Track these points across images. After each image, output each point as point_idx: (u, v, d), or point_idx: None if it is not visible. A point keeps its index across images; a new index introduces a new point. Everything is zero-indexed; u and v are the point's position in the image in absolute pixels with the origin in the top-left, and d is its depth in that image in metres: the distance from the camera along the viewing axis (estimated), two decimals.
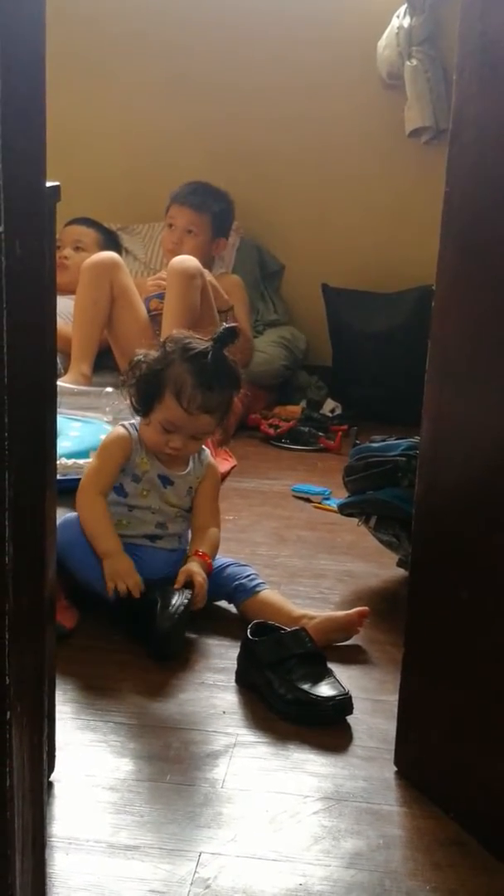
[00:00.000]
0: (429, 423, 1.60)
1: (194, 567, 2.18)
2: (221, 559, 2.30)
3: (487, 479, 1.50)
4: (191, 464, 2.31)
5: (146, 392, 2.22)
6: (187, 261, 3.34)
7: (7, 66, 0.96)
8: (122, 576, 2.13)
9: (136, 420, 2.29)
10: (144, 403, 2.23)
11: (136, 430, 2.27)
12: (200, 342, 2.22)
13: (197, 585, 2.13)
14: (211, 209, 3.75)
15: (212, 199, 3.77)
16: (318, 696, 1.86)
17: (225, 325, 2.26)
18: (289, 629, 1.99)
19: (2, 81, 0.94)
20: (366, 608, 2.16)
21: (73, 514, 2.23)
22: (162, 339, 2.34)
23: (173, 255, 3.56)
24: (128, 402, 2.29)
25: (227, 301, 3.59)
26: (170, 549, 2.27)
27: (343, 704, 1.86)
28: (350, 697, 1.86)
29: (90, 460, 2.42)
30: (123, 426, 2.29)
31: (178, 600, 2.06)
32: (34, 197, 1.09)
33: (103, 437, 2.55)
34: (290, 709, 1.86)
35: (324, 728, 1.83)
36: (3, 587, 1.07)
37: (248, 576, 2.24)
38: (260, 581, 2.23)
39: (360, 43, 4.01)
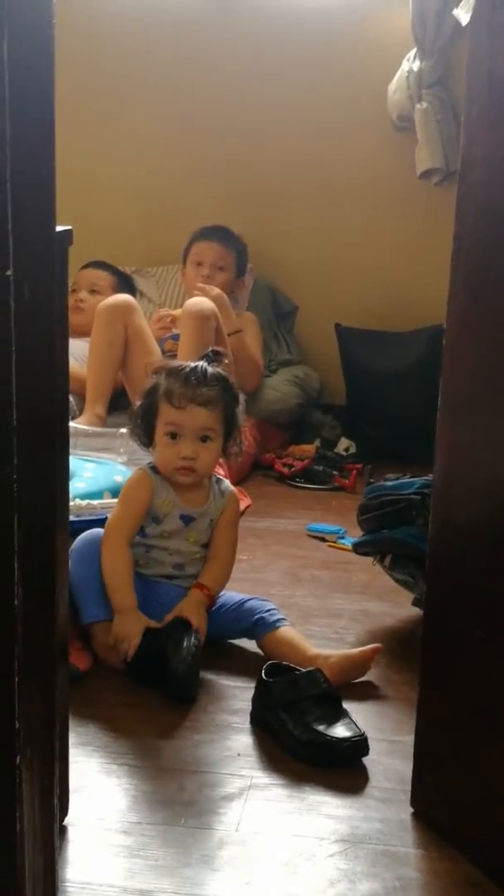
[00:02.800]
0: (442, 461, 1.60)
1: (188, 606, 2.17)
2: (241, 595, 2.29)
3: (501, 517, 1.49)
4: (210, 497, 2.30)
5: (145, 420, 2.27)
6: (202, 303, 3.37)
7: (17, 110, 0.97)
8: (127, 637, 2.10)
9: (150, 463, 2.30)
10: (147, 429, 2.27)
11: (155, 471, 2.27)
12: (184, 362, 2.29)
13: (193, 624, 2.12)
14: (236, 247, 3.83)
15: (235, 239, 3.86)
16: (333, 737, 1.84)
17: (211, 349, 2.33)
18: (304, 669, 1.98)
19: (11, 126, 0.95)
20: (378, 645, 2.15)
21: (87, 540, 2.23)
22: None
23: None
24: (136, 441, 2.33)
25: (234, 322, 3.62)
26: (187, 587, 2.27)
27: (358, 746, 1.84)
28: (365, 738, 1.85)
29: (108, 502, 2.44)
30: (143, 469, 2.29)
31: (187, 642, 2.05)
32: (43, 241, 1.10)
33: (118, 478, 2.56)
34: (306, 750, 1.84)
35: (339, 769, 1.81)
36: (13, 631, 1.07)
37: (269, 610, 2.23)
38: (281, 617, 2.22)
39: (370, 86, 4.05)
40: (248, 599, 2.27)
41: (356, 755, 1.84)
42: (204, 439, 2.23)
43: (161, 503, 2.25)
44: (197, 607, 2.18)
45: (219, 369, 2.28)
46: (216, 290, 3.60)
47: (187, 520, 2.26)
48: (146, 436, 2.29)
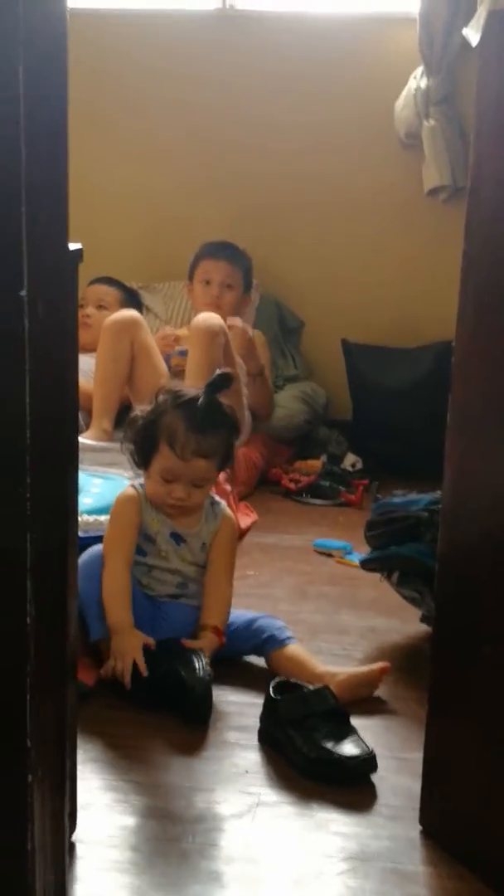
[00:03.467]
0: (450, 477, 1.60)
1: (202, 647, 2.14)
2: (250, 613, 2.29)
3: None
4: (203, 519, 2.29)
5: (143, 445, 2.24)
6: (211, 318, 3.38)
7: (31, 133, 0.98)
8: (127, 654, 2.08)
9: (138, 483, 2.30)
10: (143, 456, 2.25)
11: (143, 489, 2.27)
12: (192, 389, 2.26)
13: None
14: (243, 264, 3.85)
15: (241, 256, 3.87)
16: (341, 754, 1.84)
17: (219, 371, 2.28)
18: (312, 687, 1.98)
19: (26, 148, 0.96)
20: (387, 664, 2.14)
21: (92, 556, 2.22)
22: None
23: (214, 309, 3.65)
24: (127, 457, 2.30)
25: (260, 365, 3.64)
26: (195, 605, 2.27)
27: (367, 763, 1.83)
28: (374, 756, 1.84)
29: (109, 526, 2.44)
30: (132, 486, 2.29)
31: (199, 662, 2.04)
32: (57, 260, 1.11)
33: None
34: (314, 767, 1.84)
35: (347, 787, 1.80)
36: (25, 648, 1.07)
37: (279, 627, 2.23)
38: (289, 634, 2.22)
39: (378, 104, 4.07)
40: (258, 618, 2.27)
41: (364, 773, 1.83)
42: (198, 484, 2.24)
43: (150, 521, 2.25)
44: (210, 649, 2.16)
45: (224, 402, 2.25)
46: (249, 333, 3.63)
47: (178, 538, 2.26)
48: (141, 460, 2.26)
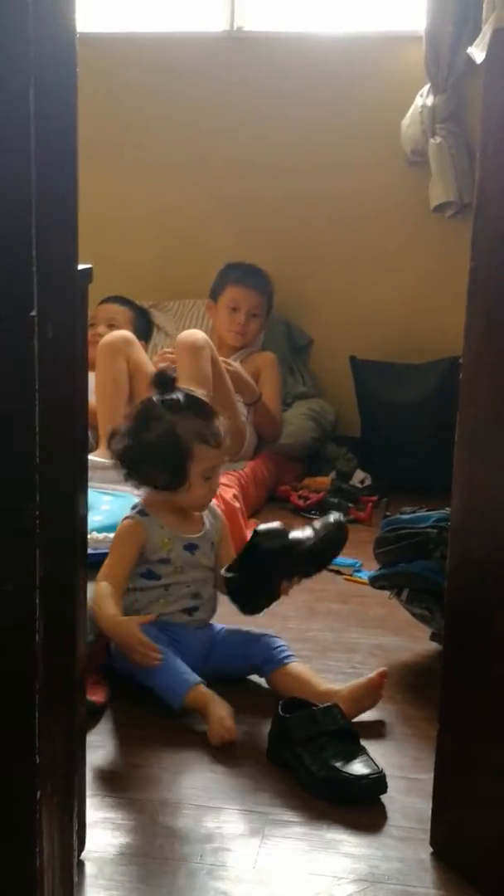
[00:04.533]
0: (459, 494, 1.60)
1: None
2: (250, 630, 2.29)
3: None
4: (205, 519, 2.33)
5: (176, 463, 2.21)
6: (195, 333, 3.44)
7: (41, 154, 0.99)
8: (132, 647, 2.07)
9: (137, 506, 2.29)
10: (177, 473, 2.22)
11: (145, 514, 2.26)
12: (162, 397, 2.28)
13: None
14: (267, 291, 3.94)
15: (265, 281, 3.95)
16: (350, 774, 1.83)
17: (156, 372, 2.37)
18: (321, 705, 1.97)
19: (36, 170, 0.97)
20: (385, 669, 2.15)
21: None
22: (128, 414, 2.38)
23: (241, 336, 3.85)
24: (149, 487, 2.27)
25: (255, 394, 3.69)
26: (204, 622, 2.28)
27: (377, 783, 1.83)
28: (384, 776, 1.83)
29: (109, 557, 2.44)
30: (131, 517, 2.27)
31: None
32: (67, 280, 1.11)
33: None
34: (323, 787, 1.83)
35: (357, 807, 1.80)
36: (34, 666, 1.07)
37: (278, 647, 2.23)
38: (290, 653, 2.22)
39: (384, 122, 4.08)
40: (259, 636, 2.26)
41: (374, 793, 1.82)
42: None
43: (161, 542, 2.25)
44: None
45: (221, 415, 2.31)
46: (234, 366, 3.67)
47: (191, 548, 2.27)
48: (176, 477, 2.22)
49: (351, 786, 1.82)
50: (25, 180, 0.95)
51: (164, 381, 2.31)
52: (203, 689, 2.07)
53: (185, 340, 3.40)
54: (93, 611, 2.13)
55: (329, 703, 1.98)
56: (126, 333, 3.70)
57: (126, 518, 2.29)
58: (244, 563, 2.21)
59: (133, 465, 2.26)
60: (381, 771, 1.84)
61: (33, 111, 0.94)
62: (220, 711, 2.02)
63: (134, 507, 2.31)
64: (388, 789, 1.83)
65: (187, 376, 3.30)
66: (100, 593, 2.15)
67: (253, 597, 2.23)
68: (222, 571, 2.23)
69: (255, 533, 2.21)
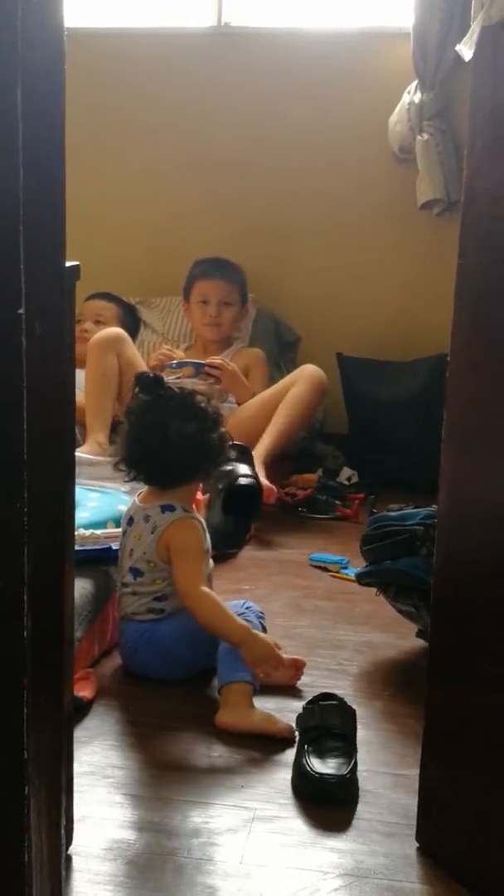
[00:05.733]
0: (446, 492, 1.61)
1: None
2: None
3: None
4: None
5: (226, 449, 2.34)
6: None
7: (29, 152, 0.99)
8: (268, 659, 2.10)
9: (172, 506, 2.26)
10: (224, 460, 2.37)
11: (187, 511, 2.27)
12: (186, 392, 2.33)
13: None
14: (237, 278, 3.91)
15: (234, 270, 3.94)
16: (312, 770, 1.82)
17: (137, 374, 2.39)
18: (336, 701, 1.98)
19: (24, 167, 0.97)
20: (303, 660, 2.23)
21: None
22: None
23: (215, 328, 3.85)
24: (197, 481, 2.36)
25: (250, 393, 3.75)
26: None
27: (332, 785, 1.79)
28: (344, 781, 1.80)
29: (112, 531, 2.44)
30: (183, 518, 2.25)
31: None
32: (54, 278, 1.11)
33: (121, 507, 2.56)
34: (293, 777, 1.85)
35: (345, 804, 1.80)
36: (22, 661, 1.07)
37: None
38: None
39: (372, 119, 4.09)
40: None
41: (330, 793, 1.80)
42: None
43: (205, 536, 2.30)
44: None
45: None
46: (231, 368, 3.72)
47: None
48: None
49: (307, 781, 1.81)
50: (12, 177, 0.95)
51: (147, 381, 2.31)
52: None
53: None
54: (216, 620, 2.12)
55: (336, 701, 1.98)
56: (119, 331, 3.73)
57: (179, 519, 2.24)
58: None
59: (191, 459, 2.27)
60: (345, 776, 1.82)
61: (20, 108, 0.94)
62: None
63: (168, 509, 2.25)
64: (375, 786, 1.84)
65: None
66: (217, 604, 2.15)
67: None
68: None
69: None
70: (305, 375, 3.69)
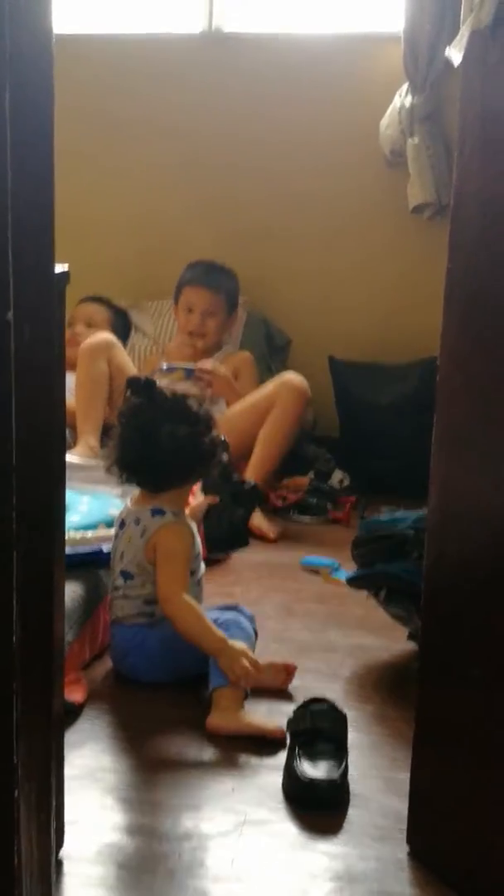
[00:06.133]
0: (436, 495, 1.61)
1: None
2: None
3: (496, 552, 1.50)
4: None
5: (217, 452, 2.30)
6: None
7: (17, 156, 0.99)
8: (241, 660, 2.08)
9: (161, 510, 2.25)
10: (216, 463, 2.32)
11: (177, 514, 2.26)
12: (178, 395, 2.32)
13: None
14: (225, 287, 3.88)
15: (224, 278, 3.91)
16: (301, 774, 1.82)
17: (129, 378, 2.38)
18: (327, 705, 1.97)
19: (12, 172, 0.97)
20: (294, 664, 2.24)
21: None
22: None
23: (199, 338, 3.84)
24: (185, 484, 2.33)
25: (237, 396, 3.73)
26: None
27: (323, 789, 1.80)
28: (335, 784, 1.81)
29: (103, 534, 2.44)
30: (171, 522, 2.24)
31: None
32: (43, 283, 1.11)
33: (112, 510, 2.56)
34: (283, 780, 1.85)
35: (336, 806, 1.80)
36: (11, 667, 1.07)
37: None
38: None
39: (362, 123, 4.09)
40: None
41: (320, 797, 1.80)
42: None
43: (194, 539, 2.29)
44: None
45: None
46: (222, 373, 3.73)
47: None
48: (211, 471, 2.34)
49: (298, 784, 1.81)
50: (1, 182, 0.95)
51: (139, 384, 2.30)
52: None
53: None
54: (193, 629, 2.13)
55: (326, 705, 1.98)
56: (109, 336, 3.75)
57: (167, 524, 2.24)
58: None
59: (183, 462, 2.25)
60: (335, 779, 1.82)
61: (9, 113, 0.94)
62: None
63: (158, 513, 2.24)
64: (366, 789, 1.84)
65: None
66: (196, 613, 2.15)
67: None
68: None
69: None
70: (286, 391, 3.65)
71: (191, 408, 2.28)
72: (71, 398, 3.43)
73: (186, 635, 2.14)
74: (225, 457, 2.41)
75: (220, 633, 2.14)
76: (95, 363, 3.61)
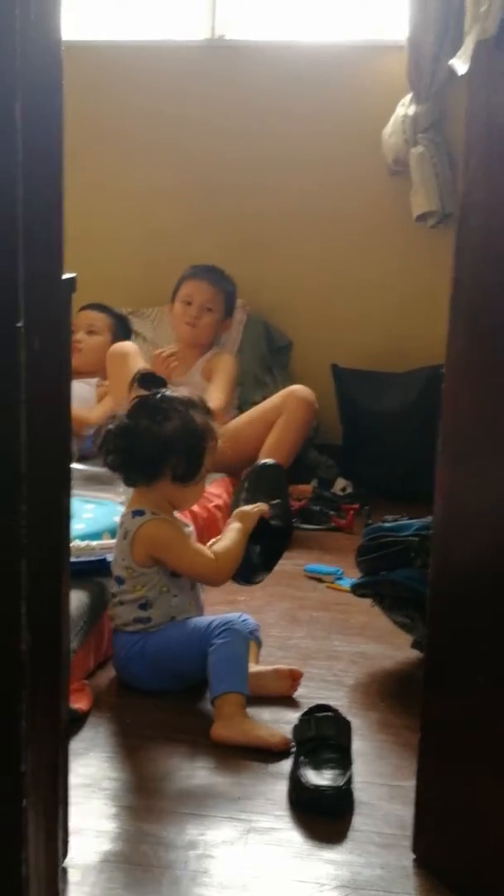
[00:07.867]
0: (441, 503, 1.61)
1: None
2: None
3: (502, 559, 1.50)
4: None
5: (199, 452, 2.26)
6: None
7: (28, 166, 0.99)
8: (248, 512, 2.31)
9: (142, 511, 2.25)
10: (200, 463, 2.27)
11: (156, 514, 2.26)
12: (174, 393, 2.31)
13: None
14: (226, 287, 3.88)
15: (225, 280, 3.90)
16: (306, 782, 1.82)
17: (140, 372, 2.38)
18: (330, 713, 1.98)
19: (23, 181, 0.97)
20: (300, 670, 2.25)
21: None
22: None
23: (191, 329, 3.79)
24: (159, 481, 2.26)
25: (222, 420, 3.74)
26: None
27: (329, 797, 1.80)
28: (340, 792, 1.81)
29: (107, 543, 2.44)
30: (151, 520, 2.24)
31: None
32: (53, 292, 1.12)
33: (117, 518, 2.56)
34: (290, 788, 1.85)
35: (341, 814, 1.80)
36: (20, 675, 1.07)
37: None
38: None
39: (366, 132, 4.10)
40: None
41: (324, 806, 1.80)
42: None
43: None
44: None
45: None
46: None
47: None
48: (195, 470, 2.27)
49: (303, 792, 1.81)
50: (12, 192, 0.96)
51: (150, 379, 2.31)
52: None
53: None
54: (235, 556, 2.27)
55: (331, 713, 1.98)
56: (132, 345, 3.80)
57: (146, 521, 2.24)
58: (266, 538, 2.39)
59: (149, 458, 2.23)
60: (340, 787, 1.82)
61: (20, 123, 0.95)
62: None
63: (138, 513, 2.25)
64: (371, 797, 1.84)
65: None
66: (231, 555, 2.28)
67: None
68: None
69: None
70: (293, 401, 3.63)
71: (170, 399, 2.27)
72: (75, 407, 3.41)
73: (236, 562, 2.27)
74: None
75: (230, 533, 2.28)
76: (126, 367, 3.56)
